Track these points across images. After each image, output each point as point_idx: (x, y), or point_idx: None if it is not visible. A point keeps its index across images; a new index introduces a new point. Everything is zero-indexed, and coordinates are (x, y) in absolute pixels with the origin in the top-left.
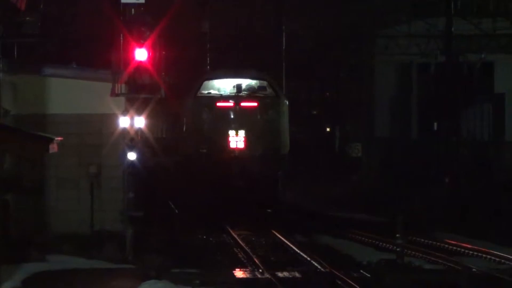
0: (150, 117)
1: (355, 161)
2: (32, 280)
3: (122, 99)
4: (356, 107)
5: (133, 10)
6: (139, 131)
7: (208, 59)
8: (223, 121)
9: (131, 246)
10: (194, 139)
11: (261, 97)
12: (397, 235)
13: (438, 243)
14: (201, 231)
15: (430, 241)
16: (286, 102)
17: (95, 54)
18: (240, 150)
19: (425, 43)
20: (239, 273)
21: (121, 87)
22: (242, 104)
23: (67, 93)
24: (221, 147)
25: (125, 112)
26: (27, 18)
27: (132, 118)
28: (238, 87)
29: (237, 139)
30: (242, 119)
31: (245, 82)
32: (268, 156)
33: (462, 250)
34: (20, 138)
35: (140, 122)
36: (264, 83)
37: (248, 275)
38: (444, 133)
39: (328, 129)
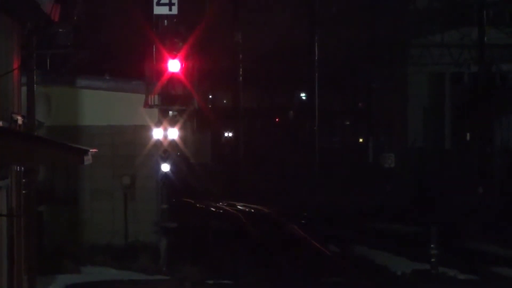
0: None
1: (388, 172)
2: None
3: (155, 110)
4: (389, 118)
5: (166, 21)
6: (172, 142)
7: (240, 70)
8: None
9: (165, 257)
10: None
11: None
12: (432, 246)
13: (472, 253)
14: None
15: (464, 251)
16: None
17: (127, 64)
18: None
19: (458, 53)
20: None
21: (154, 99)
22: None
23: (100, 105)
24: None
25: (158, 124)
26: (60, 30)
27: (165, 130)
28: None
29: None
30: None
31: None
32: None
33: (496, 259)
34: (54, 150)
35: (173, 133)
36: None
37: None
38: (477, 143)
39: (360, 140)
